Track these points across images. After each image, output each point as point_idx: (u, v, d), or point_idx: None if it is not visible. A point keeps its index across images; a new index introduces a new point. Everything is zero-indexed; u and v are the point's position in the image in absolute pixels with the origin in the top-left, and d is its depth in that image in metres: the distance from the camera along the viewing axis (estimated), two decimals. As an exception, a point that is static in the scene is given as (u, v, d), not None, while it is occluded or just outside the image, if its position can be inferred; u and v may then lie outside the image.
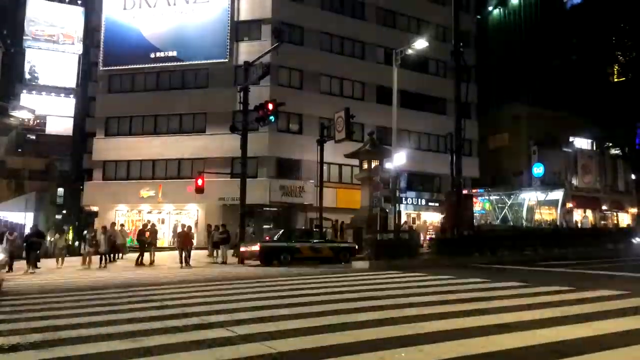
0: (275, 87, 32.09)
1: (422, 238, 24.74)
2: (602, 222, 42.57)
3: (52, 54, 61.42)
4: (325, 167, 26.38)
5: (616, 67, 35.18)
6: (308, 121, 33.62)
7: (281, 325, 6.10)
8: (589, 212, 42.48)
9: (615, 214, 44.21)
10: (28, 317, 7.44)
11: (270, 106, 20.36)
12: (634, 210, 42.36)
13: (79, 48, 59.14)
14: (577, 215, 41.56)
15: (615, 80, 35.50)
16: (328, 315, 6.70)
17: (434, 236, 23.51)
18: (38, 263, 19.38)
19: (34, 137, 62.43)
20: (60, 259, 20.74)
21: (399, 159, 24.37)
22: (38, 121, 61.90)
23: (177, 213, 34.61)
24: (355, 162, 26.09)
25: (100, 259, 20.06)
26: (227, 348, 5.01)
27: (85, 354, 4.90)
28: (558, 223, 36.93)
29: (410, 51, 25.65)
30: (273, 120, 21.20)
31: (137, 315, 7.28)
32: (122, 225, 26.53)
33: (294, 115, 33.68)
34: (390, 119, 25.12)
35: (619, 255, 19.12)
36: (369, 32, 37.40)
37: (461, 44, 20.06)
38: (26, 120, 60.33)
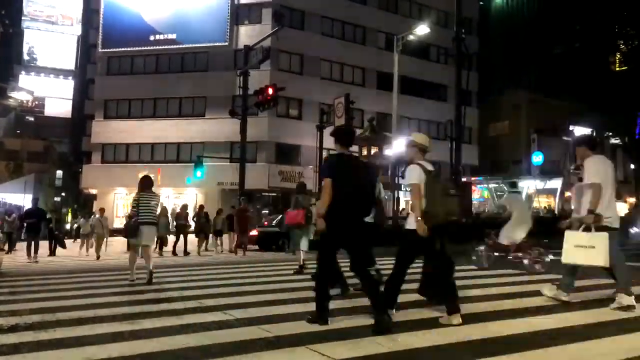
0: (275, 71, 31.93)
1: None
2: (600, 211, 42.65)
3: (51, 35, 61.00)
4: (324, 153, 26.35)
5: (618, 55, 34.99)
6: (308, 106, 33.52)
7: (278, 309, 6.13)
8: (587, 201, 42.52)
9: (613, 203, 44.29)
10: (27, 299, 7.46)
11: (270, 91, 20.26)
12: (632, 199, 42.43)
13: (77, 29, 58.72)
14: (576, 204, 41.61)
15: (617, 69, 35.33)
16: (325, 300, 6.71)
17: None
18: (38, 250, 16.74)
19: (32, 119, 62.26)
20: (85, 244, 19.97)
21: (398, 146, 24.31)
22: (37, 103, 61.72)
23: (176, 197, 34.63)
24: (355, 148, 26.02)
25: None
26: (224, 331, 5.03)
27: (82, 335, 4.92)
28: (556, 211, 36.99)
29: (411, 37, 25.49)
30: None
31: (136, 297, 7.31)
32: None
33: (293, 101, 33.58)
34: (391, 105, 25.05)
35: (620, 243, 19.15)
36: (370, 17, 37.12)
37: (463, 30, 19.93)
38: (25, 101, 60.15)
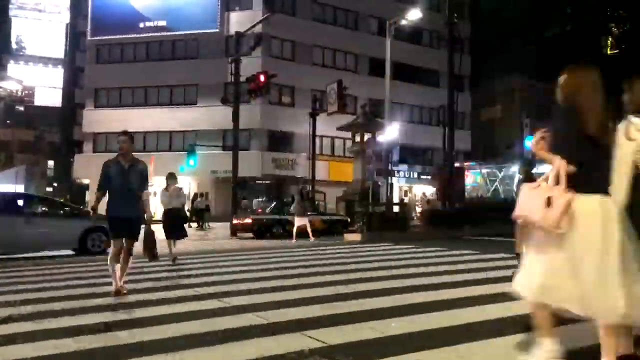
0: (267, 58, 31.71)
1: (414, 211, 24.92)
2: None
3: (39, 23, 60.23)
4: (317, 140, 26.33)
5: (610, 39, 34.99)
6: (300, 93, 33.38)
7: (273, 296, 6.15)
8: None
9: (605, 186, 44.63)
10: (20, 290, 7.45)
11: (262, 78, 20.14)
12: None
13: (66, 17, 57.94)
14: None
15: (609, 52, 35.35)
16: (319, 287, 6.77)
17: (425, 208, 23.65)
18: None
19: (22, 109, 61.64)
20: None
21: (391, 132, 24.31)
22: (26, 92, 61.07)
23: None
24: (348, 135, 26.01)
25: None
26: (220, 319, 5.06)
27: (77, 325, 4.92)
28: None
29: (404, 22, 25.35)
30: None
31: (131, 287, 7.31)
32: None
33: (286, 88, 33.42)
34: (383, 91, 24.97)
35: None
36: (362, 2, 36.86)
37: (455, 14, 19.84)
38: (14, 91, 59.45)
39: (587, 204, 2.96)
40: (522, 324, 4.52)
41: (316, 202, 24.21)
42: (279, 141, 33.55)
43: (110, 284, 6.73)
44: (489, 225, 18.82)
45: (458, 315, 4.92)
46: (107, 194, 6.76)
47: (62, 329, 4.79)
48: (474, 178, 41.61)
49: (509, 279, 7.00)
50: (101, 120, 35.14)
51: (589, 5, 36.03)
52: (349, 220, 19.85)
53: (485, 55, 53.58)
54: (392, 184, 28.46)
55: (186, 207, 19.97)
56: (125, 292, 6.54)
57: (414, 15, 24.19)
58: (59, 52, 60.00)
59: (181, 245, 11.65)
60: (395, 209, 21.43)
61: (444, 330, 4.40)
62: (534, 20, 31.94)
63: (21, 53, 60.73)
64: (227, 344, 4.12)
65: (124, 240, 6.62)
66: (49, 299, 6.39)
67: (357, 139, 24.32)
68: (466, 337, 4.16)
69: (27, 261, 11.45)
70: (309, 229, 15.80)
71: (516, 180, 39.73)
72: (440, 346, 3.92)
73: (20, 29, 60.35)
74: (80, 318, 5.25)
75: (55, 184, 49.99)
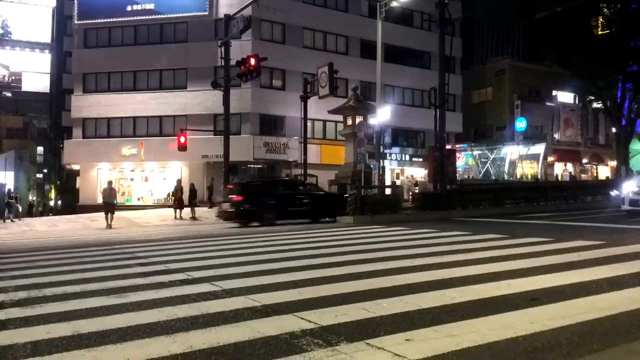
0: (257, 41, 31.43)
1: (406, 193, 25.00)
2: (582, 175, 43.29)
3: (25, 7, 59.17)
4: (309, 124, 26.24)
5: (600, 19, 34.89)
6: (291, 77, 33.18)
7: (266, 279, 6.20)
8: (569, 166, 43.14)
9: (595, 167, 44.95)
10: (13, 275, 7.45)
11: (253, 61, 19.98)
12: (614, 163, 43.12)
13: (52, 1, 56.98)
14: (559, 169, 42.20)
15: (600, 33, 35.27)
16: (311, 269, 6.82)
17: (417, 191, 23.72)
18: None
19: (10, 95, 60.83)
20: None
21: (383, 115, 24.28)
22: (13, 77, 60.24)
23: (160, 171, 34.39)
24: (340, 118, 25.97)
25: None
26: (213, 302, 5.09)
27: (70, 309, 4.94)
28: (539, 176, 37.50)
29: (394, 3, 25.17)
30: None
31: (123, 272, 7.33)
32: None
33: (276, 71, 33.19)
34: (374, 73, 24.88)
35: (597, 207, 19.58)
36: (352, -17, 36.52)
37: (446, -4, 19.66)
38: (1, 77, 58.60)
39: None
40: (512, 303, 4.60)
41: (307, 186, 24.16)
42: (270, 125, 33.42)
43: (100, 268, 6.70)
44: (481, 206, 19.03)
45: (449, 295, 4.99)
46: None
47: (54, 314, 4.81)
48: (465, 160, 41.77)
49: (498, 259, 7.12)
50: (90, 105, 34.78)
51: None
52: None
53: (476, 36, 53.41)
54: (384, 167, 28.51)
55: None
56: None
57: (404, -4, 24.00)
58: (46, 36, 59.10)
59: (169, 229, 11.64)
60: (388, 191, 21.50)
61: (435, 310, 4.46)
62: (524, 2, 31.70)
63: (7, 38, 59.74)
64: (220, 327, 4.16)
65: None
66: (43, 284, 6.38)
67: (349, 122, 24.31)
68: (457, 316, 4.22)
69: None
70: None
71: (507, 162, 39.98)
72: (431, 325, 3.98)
73: (5, 12, 59.26)
74: (73, 303, 5.27)
75: (45, 170, 49.65)
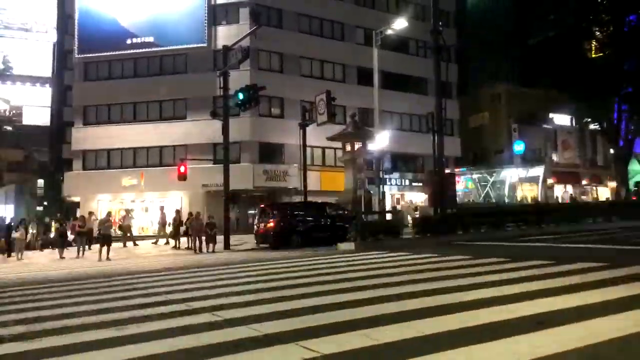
0: (256, 71, 31.81)
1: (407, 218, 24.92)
2: (582, 196, 43.27)
3: (26, 42, 60.06)
4: (308, 151, 26.32)
5: (594, 42, 35.45)
6: (289, 105, 33.47)
7: (266, 308, 6.14)
8: (569, 187, 43.16)
9: (595, 188, 44.96)
10: (11, 310, 7.38)
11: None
12: (613, 184, 43.16)
13: (53, 36, 57.86)
14: (559, 191, 42.22)
15: (593, 56, 35.78)
16: (314, 297, 6.76)
17: (417, 215, 23.67)
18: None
19: (10, 128, 61.24)
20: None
21: (381, 141, 24.43)
22: (14, 112, 60.75)
23: (160, 201, 34.35)
24: (339, 144, 26.08)
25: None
26: (214, 332, 5.04)
27: (70, 343, 4.89)
28: (539, 199, 37.50)
29: (390, 31, 25.60)
30: (241, 98, 20.39)
31: (122, 303, 7.26)
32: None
33: (275, 99, 33.48)
34: (372, 100, 25.13)
35: (598, 228, 19.50)
36: (348, 12, 37.14)
37: (440, 23, 20.02)
38: (2, 111, 59.09)
39: None
40: (515, 328, 4.55)
41: None
42: (269, 153, 33.54)
43: (100, 301, 6.64)
44: (481, 230, 18.95)
45: (452, 320, 4.94)
46: None
47: (52, 348, 4.75)
48: (465, 183, 41.83)
49: (498, 283, 7.06)
50: (90, 137, 34.99)
51: (571, 10, 36.52)
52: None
53: (472, 62, 54.15)
54: (384, 192, 28.51)
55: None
56: None
57: (399, 24, 24.42)
58: (47, 70, 59.78)
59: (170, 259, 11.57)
60: (388, 216, 21.46)
61: (439, 335, 4.41)
62: (518, 28, 32.30)
63: (8, 73, 60.49)
64: (222, 357, 4.11)
65: None
66: (42, 318, 6.31)
67: (348, 148, 24.38)
68: (461, 341, 4.17)
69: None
70: None
71: (507, 185, 40.00)
72: (434, 352, 3.93)
73: (6, 48, 60.14)
74: (71, 337, 5.21)
75: (45, 203, 49.59)
